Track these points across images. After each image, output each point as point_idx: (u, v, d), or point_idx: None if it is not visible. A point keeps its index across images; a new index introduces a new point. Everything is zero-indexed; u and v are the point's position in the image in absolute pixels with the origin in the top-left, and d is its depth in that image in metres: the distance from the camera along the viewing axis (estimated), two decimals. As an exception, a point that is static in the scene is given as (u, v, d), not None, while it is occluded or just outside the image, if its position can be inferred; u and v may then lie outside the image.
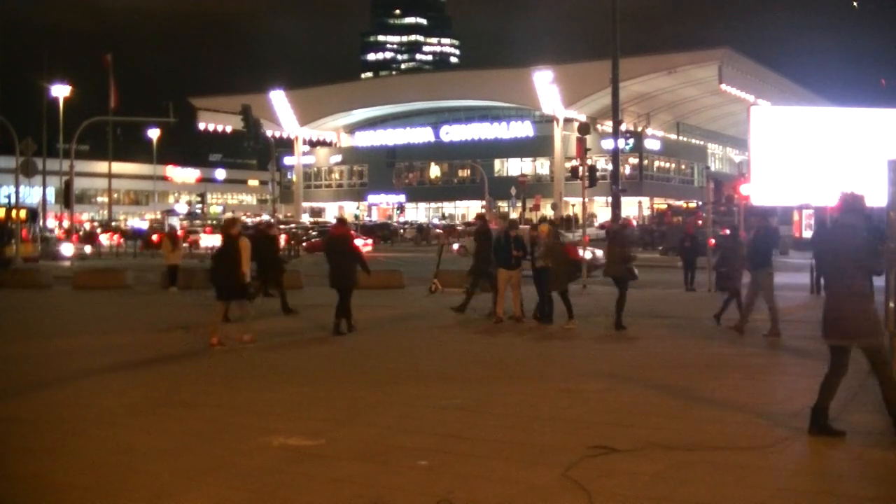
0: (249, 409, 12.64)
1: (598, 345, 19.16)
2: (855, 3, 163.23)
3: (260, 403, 13.01)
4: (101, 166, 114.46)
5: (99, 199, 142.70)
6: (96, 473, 9.57)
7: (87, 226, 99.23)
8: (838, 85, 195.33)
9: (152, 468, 9.68)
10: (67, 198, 44.76)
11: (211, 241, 61.14)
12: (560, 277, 22.10)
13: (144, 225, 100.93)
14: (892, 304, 15.06)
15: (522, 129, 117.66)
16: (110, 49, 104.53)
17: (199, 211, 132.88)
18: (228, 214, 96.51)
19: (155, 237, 74.49)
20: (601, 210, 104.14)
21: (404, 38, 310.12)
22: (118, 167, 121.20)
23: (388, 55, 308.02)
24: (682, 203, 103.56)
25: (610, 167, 77.86)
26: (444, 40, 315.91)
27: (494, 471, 9.46)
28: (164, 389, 14.26)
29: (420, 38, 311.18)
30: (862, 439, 10.58)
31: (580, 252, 23.09)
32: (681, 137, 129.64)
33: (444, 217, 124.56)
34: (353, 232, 26.72)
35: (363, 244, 55.55)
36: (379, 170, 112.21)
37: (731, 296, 22.64)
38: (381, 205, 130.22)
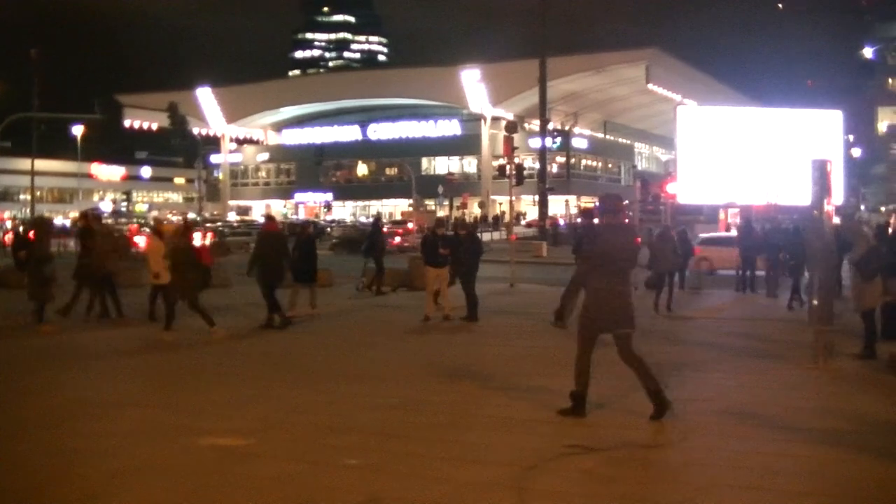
0: (181, 408, 12.54)
1: (531, 342, 19.22)
2: (780, 5, 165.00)
3: (192, 403, 12.93)
4: (24, 163, 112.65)
5: (22, 196, 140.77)
6: (28, 476, 9.44)
7: (9, 224, 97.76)
8: (766, 85, 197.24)
9: (83, 470, 9.57)
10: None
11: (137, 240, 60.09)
12: (189, 284, 19.78)
13: (67, 223, 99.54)
14: (815, 302, 15.36)
15: (450, 128, 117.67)
16: (36, 43, 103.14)
17: (124, 209, 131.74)
18: (188, 214, 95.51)
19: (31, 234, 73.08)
20: (529, 208, 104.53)
21: (333, 36, 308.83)
22: (42, 164, 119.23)
23: (317, 53, 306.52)
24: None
25: (538, 166, 78.50)
26: (373, 38, 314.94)
27: (427, 469, 9.47)
28: (96, 390, 14.12)
29: (348, 35, 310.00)
30: (790, 435, 10.72)
31: (220, 256, 21.67)
32: (608, 136, 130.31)
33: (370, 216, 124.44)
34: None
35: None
36: (306, 168, 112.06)
37: (795, 283, 25.03)
38: (309, 203, 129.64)
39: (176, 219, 76.87)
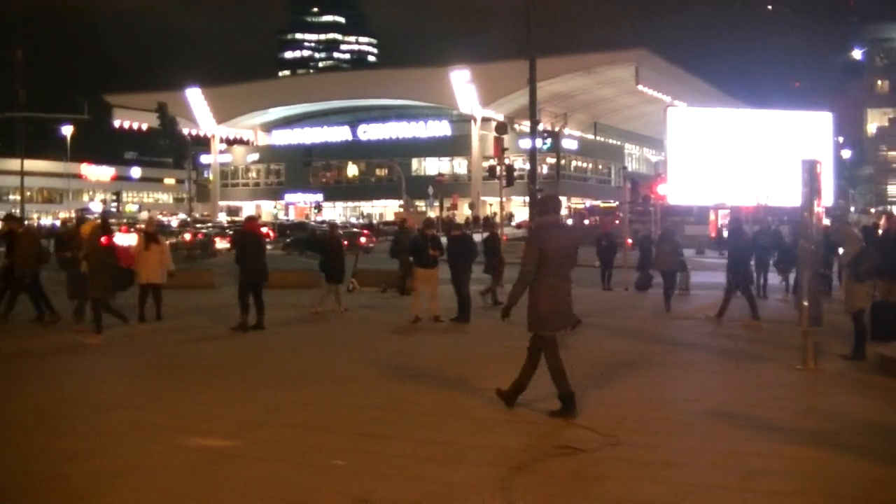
0: (165, 409, 12.50)
1: (519, 343, 19.13)
2: (769, 6, 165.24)
3: (176, 404, 12.88)
4: (13, 164, 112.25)
5: (11, 197, 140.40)
6: (9, 477, 9.40)
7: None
8: (755, 87, 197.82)
9: (66, 471, 9.53)
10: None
11: (126, 239, 59.80)
12: (101, 284, 19.60)
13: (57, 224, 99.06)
14: (804, 303, 15.34)
15: (440, 129, 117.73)
16: (22, 43, 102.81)
17: (114, 209, 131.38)
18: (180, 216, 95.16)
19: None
20: (519, 209, 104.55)
21: (322, 37, 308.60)
22: (30, 164, 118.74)
23: (306, 53, 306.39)
24: (598, 203, 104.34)
25: (527, 166, 78.45)
26: (362, 39, 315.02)
27: (412, 470, 9.45)
28: (79, 390, 14.08)
29: (338, 36, 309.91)
30: (777, 435, 10.71)
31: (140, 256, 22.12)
32: (598, 137, 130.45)
33: (361, 216, 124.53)
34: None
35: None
36: (296, 168, 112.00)
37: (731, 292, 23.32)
38: (298, 204, 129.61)
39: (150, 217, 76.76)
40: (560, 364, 11.84)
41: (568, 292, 11.98)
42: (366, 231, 71.78)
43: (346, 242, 29.94)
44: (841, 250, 18.50)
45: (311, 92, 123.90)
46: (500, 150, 41.31)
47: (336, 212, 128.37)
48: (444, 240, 24.15)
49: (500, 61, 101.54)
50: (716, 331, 21.04)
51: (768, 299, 27.99)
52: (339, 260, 25.54)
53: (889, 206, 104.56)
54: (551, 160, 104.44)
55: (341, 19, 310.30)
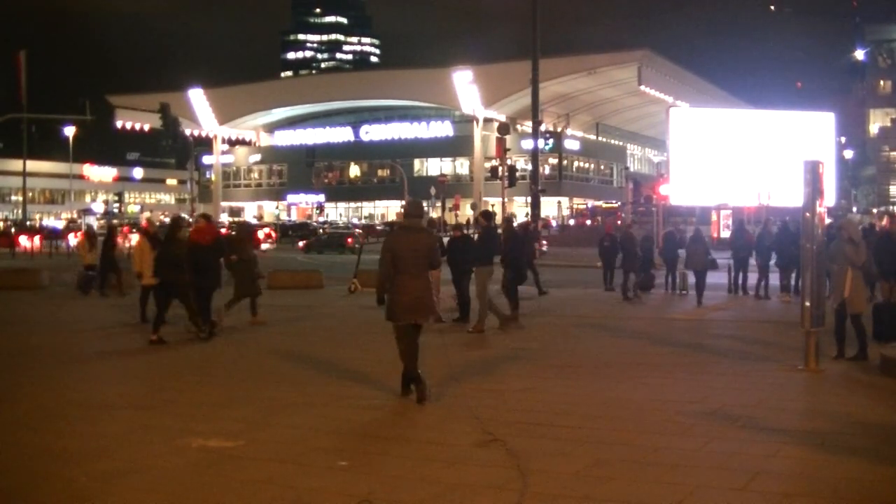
0: (168, 410, 12.49)
1: (519, 344, 19.15)
2: (772, 7, 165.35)
3: (178, 405, 12.87)
4: (16, 164, 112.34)
5: (13, 197, 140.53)
6: (12, 478, 9.38)
7: (0, 225, 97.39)
8: (756, 87, 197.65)
9: (68, 472, 9.52)
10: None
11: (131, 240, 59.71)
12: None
13: (60, 224, 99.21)
14: (807, 304, 15.30)
15: (442, 129, 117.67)
16: (25, 44, 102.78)
17: (116, 210, 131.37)
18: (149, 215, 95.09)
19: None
20: (521, 210, 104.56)
21: (324, 37, 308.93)
22: (33, 165, 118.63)
23: (308, 54, 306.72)
24: (601, 203, 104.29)
25: (529, 167, 78.52)
26: (365, 39, 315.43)
27: (415, 471, 9.43)
28: (81, 391, 14.06)
29: (340, 37, 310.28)
30: (780, 437, 10.70)
31: None
32: (600, 138, 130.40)
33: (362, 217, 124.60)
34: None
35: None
36: (298, 169, 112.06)
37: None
38: (301, 204, 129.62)
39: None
40: (404, 349, 13.24)
41: (421, 288, 13.10)
42: (349, 236, 71.36)
43: (349, 241, 29.89)
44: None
45: (314, 93, 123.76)
46: (503, 151, 41.39)
47: (339, 213, 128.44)
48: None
49: (502, 62, 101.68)
50: (717, 332, 21.02)
51: (770, 299, 27.97)
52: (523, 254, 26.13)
53: (892, 207, 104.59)
54: (553, 161, 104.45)
55: (344, 20, 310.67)
